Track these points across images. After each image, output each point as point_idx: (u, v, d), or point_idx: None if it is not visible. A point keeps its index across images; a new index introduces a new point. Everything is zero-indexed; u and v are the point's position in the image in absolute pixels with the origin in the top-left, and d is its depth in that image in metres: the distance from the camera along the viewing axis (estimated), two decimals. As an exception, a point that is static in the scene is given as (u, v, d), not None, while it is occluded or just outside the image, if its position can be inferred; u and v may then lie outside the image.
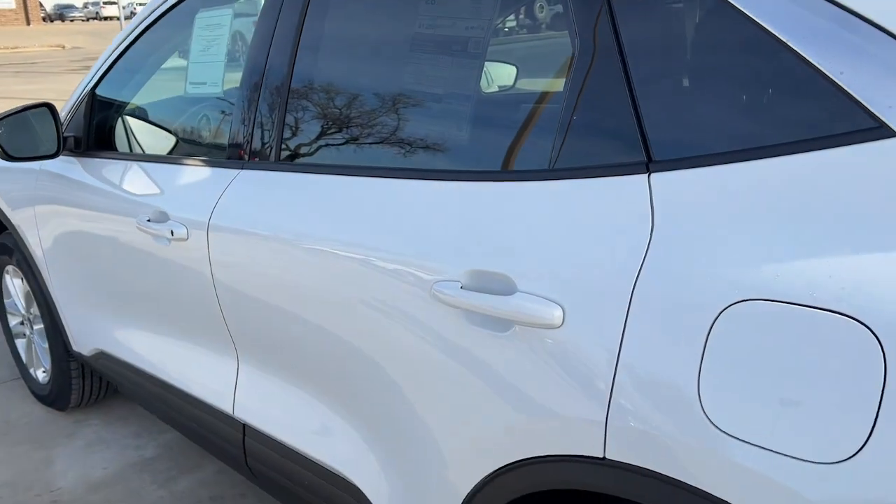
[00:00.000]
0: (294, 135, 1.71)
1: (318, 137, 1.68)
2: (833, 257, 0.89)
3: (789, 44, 0.98)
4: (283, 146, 1.71)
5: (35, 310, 2.96)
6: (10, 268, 3.04)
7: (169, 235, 1.88)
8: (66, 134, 2.33)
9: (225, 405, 1.95)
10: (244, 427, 1.92)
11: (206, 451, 2.75)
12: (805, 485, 0.89)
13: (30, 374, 3.15)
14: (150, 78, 2.34)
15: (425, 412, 1.39)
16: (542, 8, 1.51)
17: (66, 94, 15.01)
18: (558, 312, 1.11)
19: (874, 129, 0.90)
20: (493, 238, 1.24)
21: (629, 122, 1.11)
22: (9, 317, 3.21)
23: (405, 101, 1.52)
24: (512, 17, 1.62)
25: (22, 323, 3.16)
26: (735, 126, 1.03)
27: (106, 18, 55.57)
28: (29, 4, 42.19)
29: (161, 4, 2.14)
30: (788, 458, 0.90)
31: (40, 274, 2.68)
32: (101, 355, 2.51)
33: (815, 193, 0.93)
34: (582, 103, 1.18)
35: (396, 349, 1.40)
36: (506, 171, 1.32)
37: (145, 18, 2.21)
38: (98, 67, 2.36)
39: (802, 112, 0.97)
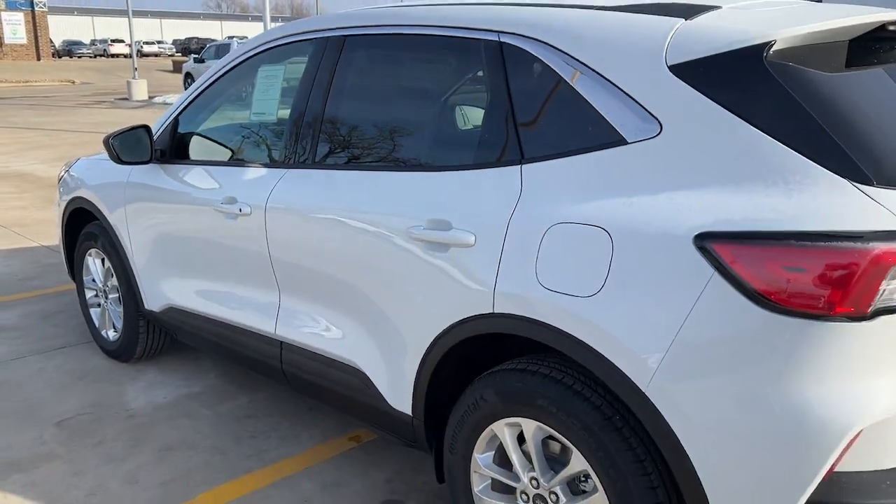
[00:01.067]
0: (321, 148, 2.69)
1: (337, 149, 2.67)
2: (595, 202, 1.87)
3: (587, 99, 1.97)
4: (316, 155, 2.69)
5: (112, 282, 3.89)
6: (93, 251, 3.99)
7: (237, 212, 2.86)
8: (155, 147, 3.30)
9: (269, 329, 2.89)
10: (281, 343, 2.86)
11: (240, 386, 3.68)
12: (578, 307, 1.85)
13: (101, 335, 4.07)
14: (218, 109, 3.33)
15: (403, 306, 2.34)
16: (473, 75, 2.48)
17: (79, 126, 16.09)
18: (472, 238, 2.08)
19: (619, 140, 1.89)
20: (441, 202, 2.21)
21: (514, 139, 2.10)
22: (86, 291, 4.15)
23: (387, 128, 2.54)
24: (457, 81, 2.60)
25: (97, 295, 4.09)
26: (558, 140, 2.01)
27: (113, 56, 57.16)
28: (40, 40, 43.68)
29: (231, 62, 3.15)
30: (571, 296, 1.86)
31: (124, 252, 3.63)
32: (171, 309, 3.45)
33: (593, 171, 1.92)
34: (488, 127, 2.18)
35: (385, 270, 2.36)
36: (448, 165, 2.29)
37: (219, 69, 3.21)
38: (181, 101, 3.35)
39: (589, 132, 1.96)
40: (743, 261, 1.63)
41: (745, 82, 1.78)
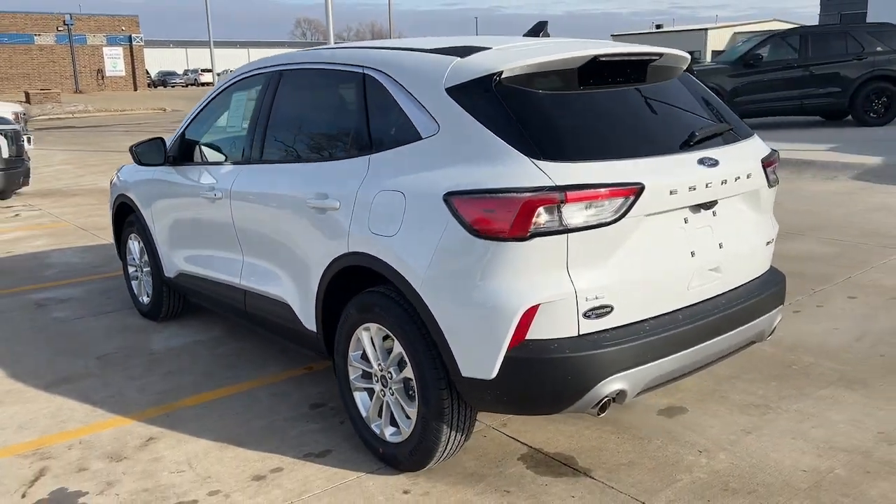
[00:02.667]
0: (264, 150, 3.81)
1: (271, 150, 3.78)
2: (401, 176, 2.91)
3: (403, 109, 3.01)
4: (261, 155, 3.81)
5: (145, 258, 5.13)
6: (132, 235, 5.24)
7: (214, 197, 4.01)
8: (168, 154, 4.50)
9: (236, 281, 4.02)
10: (245, 291, 3.97)
11: (234, 337, 4.82)
12: (387, 242, 2.89)
13: (138, 301, 5.32)
14: (210, 125, 4.51)
15: (305, 253, 3.40)
16: (349, 95, 3.54)
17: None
18: (337, 204, 3.15)
19: (417, 137, 2.92)
20: (323, 182, 3.28)
21: (367, 138, 3.16)
22: (129, 267, 5.41)
23: (299, 133, 3.65)
24: (340, 100, 3.68)
25: (136, 269, 5.34)
26: (389, 137, 3.06)
27: (203, 84, 60.92)
28: (137, 72, 47.27)
29: (217, 90, 4.32)
30: (384, 236, 2.90)
31: (150, 233, 4.85)
32: (180, 274, 4.64)
33: (403, 156, 2.95)
34: (355, 130, 3.25)
35: (295, 228, 3.44)
36: (331, 157, 3.36)
37: (210, 96, 4.39)
38: (187, 120, 4.55)
39: (403, 132, 3.00)
40: (463, 208, 2.64)
41: (480, 98, 2.79)
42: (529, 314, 2.59)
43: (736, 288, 3.14)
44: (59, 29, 44.37)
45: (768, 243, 3.34)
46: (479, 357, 2.67)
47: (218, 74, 58.59)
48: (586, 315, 2.64)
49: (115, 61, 46.02)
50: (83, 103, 35.84)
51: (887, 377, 3.90)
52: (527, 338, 2.63)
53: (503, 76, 2.80)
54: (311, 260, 3.38)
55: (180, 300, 5.09)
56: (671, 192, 2.75)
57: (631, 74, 3.10)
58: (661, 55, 3.17)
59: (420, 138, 2.93)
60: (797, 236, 6.93)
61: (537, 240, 2.55)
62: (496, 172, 2.64)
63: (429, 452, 2.97)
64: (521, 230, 2.54)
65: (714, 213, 3.00)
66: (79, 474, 3.21)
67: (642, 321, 2.77)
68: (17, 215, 9.78)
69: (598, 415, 2.76)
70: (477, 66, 2.87)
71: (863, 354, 4.21)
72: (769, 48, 14.27)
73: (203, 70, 63.55)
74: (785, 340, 4.43)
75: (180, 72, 68.19)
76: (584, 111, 2.89)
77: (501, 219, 2.56)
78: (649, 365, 2.75)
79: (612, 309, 2.69)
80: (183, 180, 4.41)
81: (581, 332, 2.65)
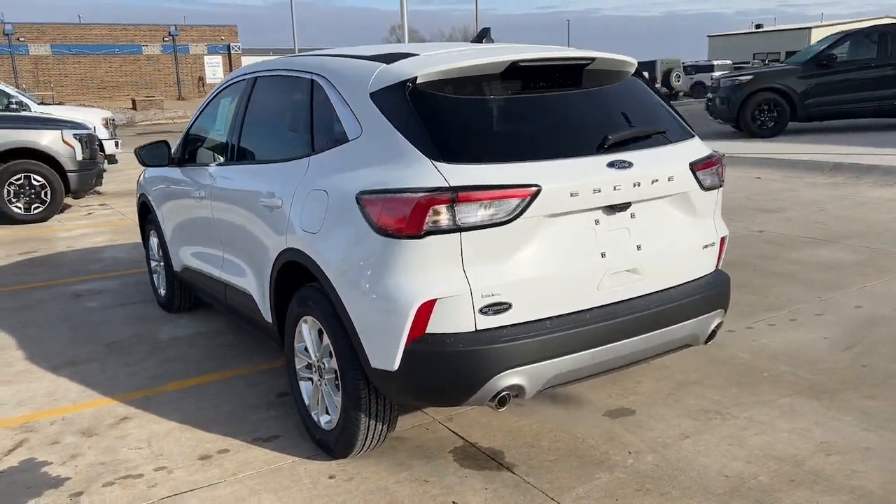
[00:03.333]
0: (236, 151, 4.05)
1: (240, 151, 4.02)
2: (328, 176, 3.07)
3: (337, 112, 3.17)
4: (234, 156, 4.05)
5: (161, 253, 5.49)
6: (152, 231, 5.62)
7: (200, 195, 4.29)
8: (173, 155, 4.82)
9: (218, 274, 4.28)
10: (225, 284, 4.23)
11: (233, 330, 5.10)
12: (312, 238, 3.06)
13: (157, 292, 5.70)
14: (204, 128, 4.80)
15: (261, 247, 3.61)
16: (300, 100, 3.72)
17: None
18: (280, 202, 3.34)
19: (345, 139, 3.08)
20: (274, 181, 3.48)
21: (310, 140, 3.34)
22: (151, 262, 5.80)
23: (259, 135, 3.86)
24: (294, 104, 3.85)
25: (156, 264, 5.72)
26: (326, 140, 3.23)
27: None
28: (234, 79, 49.37)
29: (212, 94, 4.61)
30: (311, 233, 3.07)
31: (161, 231, 5.20)
32: (184, 269, 4.96)
33: (334, 158, 3.12)
34: (301, 133, 3.44)
35: (252, 224, 3.66)
36: (281, 159, 3.55)
37: (206, 100, 4.68)
38: (188, 124, 4.86)
39: (336, 134, 3.16)
40: (370, 207, 2.78)
41: (395, 102, 2.92)
42: (426, 309, 2.70)
43: (661, 290, 3.14)
44: (165, 39, 46.89)
45: (707, 246, 3.32)
46: (384, 349, 2.80)
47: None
48: (482, 311, 2.73)
49: (214, 69, 48.23)
50: (183, 109, 37.69)
51: (858, 388, 3.77)
52: (426, 332, 2.73)
53: (417, 81, 2.92)
54: (264, 255, 3.58)
55: (190, 293, 5.42)
56: (572, 195, 2.80)
57: (561, 79, 3.15)
58: (592, 59, 3.20)
59: (347, 140, 3.09)
60: (827, 243, 6.67)
61: (431, 238, 2.66)
62: (400, 174, 2.76)
63: (351, 440, 3.12)
64: (416, 228, 2.65)
65: (632, 216, 3.02)
66: (50, 447, 3.52)
67: (543, 319, 2.83)
68: (89, 213, 10.52)
69: (498, 409, 2.84)
70: (396, 72, 3.00)
71: (844, 364, 4.07)
72: (844, 47, 13.64)
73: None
74: (769, 348, 4.33)
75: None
76: (494, 115, 2.97)
77: (398, 217, 2.68)
78: (549, 362, 2.80)
79: (509, 306, 2.76)
80: (182, 180, 4.72)
81: (478, 328, 2.74)
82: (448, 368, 2.74)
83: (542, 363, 2.80)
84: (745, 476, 3.03)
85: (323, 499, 2.98)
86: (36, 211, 9.89)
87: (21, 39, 43.06)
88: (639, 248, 3.04)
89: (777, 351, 4.30)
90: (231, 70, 48.89)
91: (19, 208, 9.81)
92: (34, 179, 9.81)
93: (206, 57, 48.37)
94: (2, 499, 3.09)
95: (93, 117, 15.00)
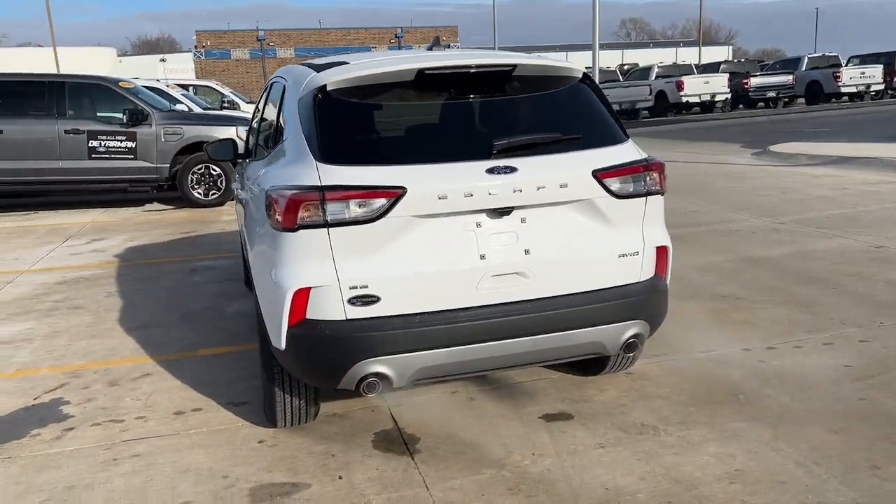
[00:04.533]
0: (257, 148, 4.54)
1: (258, 149, 4.50)
2: (269, 173, 3.45)
3: (286, 115, 3.53)
4: (256, 152, 4.56)
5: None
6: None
7: (239, 187, 4.86)
8: (239, 151, 5.46)
9: (249, 258, 4.83)
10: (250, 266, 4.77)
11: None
12: (246, 229, 3.45)
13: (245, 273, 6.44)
14: (255, 126, 5.36)
15: (248, 233, 4.08)
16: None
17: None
18: (248, 195, 3.78)
19: (283, 139, 3.44)
20: (256, 174, 3.91)
21: (276, 138, 3.74)
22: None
23: (265, 134, 4.30)
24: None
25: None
26: (278, 139, 3.60)
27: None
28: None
29: (260, 96, 5.17)
30: (247, 223, 3.47)
31: (238, 217, 5.90)
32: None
33: (274, 156, 3.49)
34: (273, 134, 3.84)
35: (246, 214, 4.13)
36: (263, 157, 3.96)
37: (258, 101, 5.26)
38: (250, 123, 5.46)
39: (280, 134, 3.52)
40: (270, 201, 3.11)
41: (307, 108, 3.21)
42: (301, 296, 2.98)
43: (555, 296, 3.13)
44: (392, 41, 50.03)
45: (625, 256, 3.24)
46: (275, 331, 3.12)
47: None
48: (351, 302, 2.95)
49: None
50: (399, 106, 40.20)
51: (832, 421, 3.44)
52: (306, 317, 3.02)
53: (326, 89, 3.19)
54: (247, 239, 4.04)
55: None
56: (440, 198, 2.92)
57: (478, 85, 3.25)
58: (513, 66, 3.25)
59: (282, 141, 3.44)
60: (946, 265, 5.85)
61: (303, 231, 2.93)
62: (293, 173, 3.06)
63: (273, 412, 3.47)
64: (291, 223, 2.94)
65: (523, 220, 3.06)
66: (80, 391, 4.26)
67: (414, 314, 2.98)
68: (258, 201, 11.81)
69: (366, 394, 3.04)
70: (316, 80, 3.29)
71: (841, 395, 3.70)
72: None
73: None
74: (770, 370, 4.03)
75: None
76: (383, 121, 3.16)
77: (281, 212, 2.99)
78: (415, 354, 2.96)
79: (378, 299, 2.96)
80: (244, 173, 5.34)
81: (348, 317, 2.97)
82: (319, 352, 3.00)
83: (408, 355, 2.96)
84: (625, 492, 2.96)
85: (238, 458, 3.37)
86: (212, 196, 11.31)
87: (270, 44, 48.21)
88: (527, 252, 3.07)
89: (777, 374, 3.98)
90: (450, 69, 50.97)
91: (199, 194, 11.28)
92: (212, 169, 11.21)
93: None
94: (17, 425, 3.84)
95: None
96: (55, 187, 11.27)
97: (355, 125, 3.17)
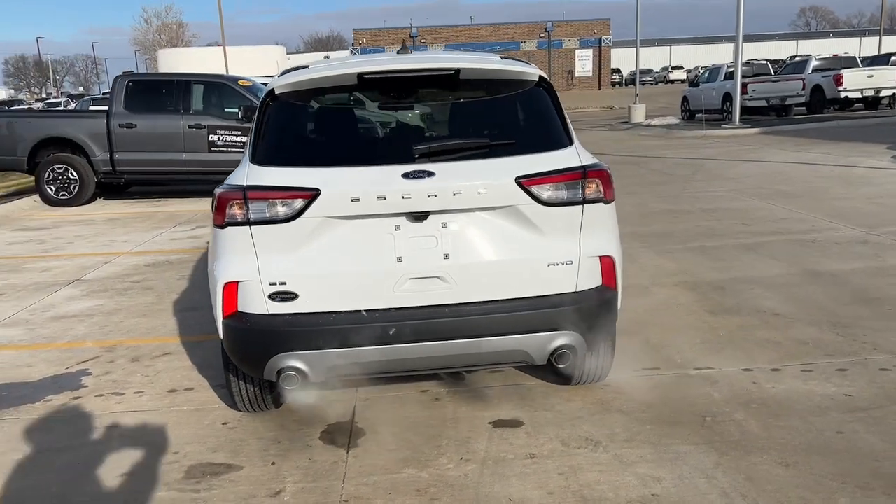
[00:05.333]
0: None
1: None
2: (237, 173, 3.67)
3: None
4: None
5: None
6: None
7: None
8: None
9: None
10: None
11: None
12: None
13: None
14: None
15: None
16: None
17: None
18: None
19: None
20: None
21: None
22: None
23: None
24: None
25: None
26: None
27: (670, 81, 61.57)
28: (602, 72, 50.44)
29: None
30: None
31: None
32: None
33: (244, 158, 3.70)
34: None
35: None
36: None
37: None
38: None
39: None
40: (218, 201, 3.31)
41: (258, 112, 3.38)
42: (230, 289, 3.16)
43: (477, 302, 3.11)
44: (541, 35, 49.80)
45: (556, 265, 3.15)
46: (216, 320, 3.33)
47: (687, 71, 58.65)
48: (271, 297, 3.10)
49: (584, 62, 49.85)
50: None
51: (788, 452, 3.19)
52: (238, 309, 3.20)
53: (275, 93, 3.34)
54: None
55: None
56: (353, 200, 3.00)
57: (421, 88, 3.29)
58: (456, 70, 3.25)
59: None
60: None
61: (231, 228, 3.12)
62: (234, 174, 3.25)
63: (231, 397, 3.69)
64: (220, 220, 3.14)
65: (444, 225, 3.07)
66: (106, 363, 4.71)
67: (330, 312, 3.08)
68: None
69: (286, 387, 3.18)
70: (271, 84, 3.45)
71: (818, 427, 3.41)
72: None
73: (674, 68, 64.34)
74: (758, 394, 3.77)
75: (657, 69, 69.85)
76: (314, 124, 3.27)
77: (214, 210, 3.19)
78: (329, 351, 3.06)
79: (296, 296, 3.08)
80: None
81: (270, 312, 3.12)
82: (244, 343, 3.18)
83: (323, 352, 3.07)
84: (525, 504, 2.91)
85: (197, 437, 3.62)
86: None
87: (422, 41, 49.43)
88: (446, 256, 3.08)
89: (762, 398, 3.72)
90: (600, 63, 49.98)
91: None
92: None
93: (577, 51, 50.17)
94: (38, 390, 4.31)
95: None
96: (178, 177, 12.28)
97: (291, 128, 3.30)
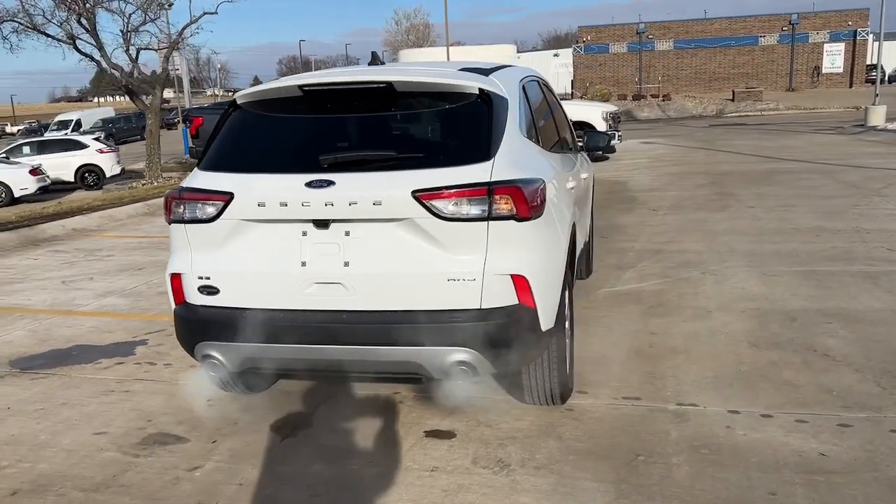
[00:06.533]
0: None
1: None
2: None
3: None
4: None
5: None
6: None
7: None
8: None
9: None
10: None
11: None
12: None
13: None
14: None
15: None
16: None
17: (767, 151, 17.83)
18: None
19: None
20: None
21: None
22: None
23: None
24: None
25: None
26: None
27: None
28: (855, 68, 45.37)
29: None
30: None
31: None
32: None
33: None
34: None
35: None
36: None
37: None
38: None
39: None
40: (165, 200, 3.65)
41: (219, 120, 3.67)
42: (176, 280, 3.50)
43: (376, 311, 3.16)
44: (784, 29, 45.88)
45: (456, 280, 3.10)
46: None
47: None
48: (200, 290, 3.40)
49: (833, 58, 45.07)
50: (776, 101, 36.88)
51: (693, 499, 2.88)
52: (185, 300, 3.54)
53: (236, 103, 3.62)
54: None
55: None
56: (259, 205, 3.18)
57: (357, 100, 3.39)
58: (388, 83, 3.30)
59: None
60: None
61: (174, 225, 3.45)
62: (191, 176, 3.59)
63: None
64: (167, 218, 3.49)
65: (347, 233, 3.16)
66: (164, 337, 5.31)
67: (245, 308, 3.31)
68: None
69: (210, 373, 3.45)
70: (236, 94, 3.73)
71: (753, 485, 3.04)
72: None
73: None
74: (717, 438, 3.42)
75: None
76: (249, 133, 3.48)
77: (166, 209, 3.53)
78: (241, 345, 3.29)
79: (218, 291, 3.35)
80: None
81: (199, 303, 3.42)
82: (180, 329, 3.51)
83: (237, 345, 3.30)
84: (385, 514, 2.94)
85: (178, 410, 4.04)
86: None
87: (650, 37, 47.86)
88: (346, 264, 3.16)
89: (720, 444, 3.36)
90: (853, 58, 45.05)
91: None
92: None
93: (825, 45, 45.58)
94: (97, 353, 5.01)
95: (593, 111, 16.85)
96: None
97: (231, 137, 3.55)
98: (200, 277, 3.39)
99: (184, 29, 17.96)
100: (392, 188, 3.11)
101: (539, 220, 3.24)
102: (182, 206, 3.38)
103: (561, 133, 4.79)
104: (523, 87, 3.93)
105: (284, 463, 3.40)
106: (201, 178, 3.39)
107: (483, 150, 3.20)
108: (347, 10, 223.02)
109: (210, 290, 3.38)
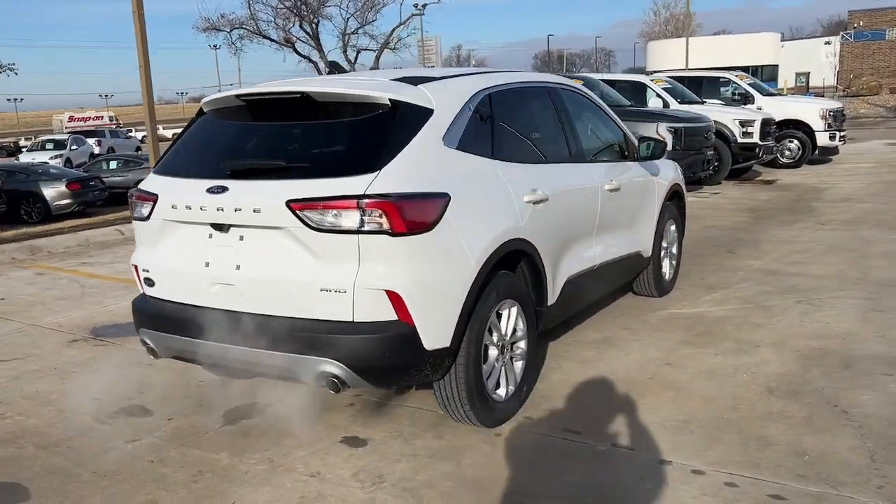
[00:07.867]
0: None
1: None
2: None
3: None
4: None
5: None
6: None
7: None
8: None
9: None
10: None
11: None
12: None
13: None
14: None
15: None
16: None
17: None
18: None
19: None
20: None
21: None
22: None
23: None
24: None
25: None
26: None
27: None
28: None
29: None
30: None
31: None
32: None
33: None
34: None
35: None
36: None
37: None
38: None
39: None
40: (128, 198, 4.02)
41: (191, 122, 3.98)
42: (136, 271, 3.88)
43: (260, 314, 3.26)
44: None
45: (326, 291, 3.11)
46: None
47: None
48: (144, 281, 3.74)
49: None
50: None
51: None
52: (146, 292, 3.92)
53: (204, 109, 3.90)
54: None
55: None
56: (173, 207, 3.43)
57: (286, 109, 3.50)
58: (302, 94, 3.38)
59: None
60: None
61: (133, 222, 3.83)
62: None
63: None
64: (131, 216, 3.87)
65: (241, 238, 3.31)
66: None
67: (170, 301, 3.58)
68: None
69: (153, 357, 3.77)
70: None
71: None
72: None
73: None
74: (628, 491, 3.06)
75: None
76: (192, 139, 3.72)
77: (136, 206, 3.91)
78: (165, 335, 3.58)
79: (154, 283, 3.67)
80: None
81: (146, 294, 3.77)
82: (133, 315, 3.87)
83: (160, 334, 3.60)
84: (231, 511, 3.05)
85: (166, 388, 4.42)
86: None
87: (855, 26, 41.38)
88: (238, 267, 3.30)
89: (612, 497, 3.01)
90: None
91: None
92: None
93: None
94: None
95: (809, 109, 15.20)
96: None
97: (183, 142, 3.80)
98: (144, 270, 3.73)
99: (393, 31, 19.03)
100: (269, 196, 3.20)
101: (427, 235, 3.13)
102: (132, 206, 3.75)
103: (572, 143, 4.49)
104: (484, 98, 3.77)
105: (200, 447, 3.64)
106: (146, 180, 3.73)
107: (370, 161, 3.15)
108: (608, 2, 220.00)
109: (150, 282, 3.71)
